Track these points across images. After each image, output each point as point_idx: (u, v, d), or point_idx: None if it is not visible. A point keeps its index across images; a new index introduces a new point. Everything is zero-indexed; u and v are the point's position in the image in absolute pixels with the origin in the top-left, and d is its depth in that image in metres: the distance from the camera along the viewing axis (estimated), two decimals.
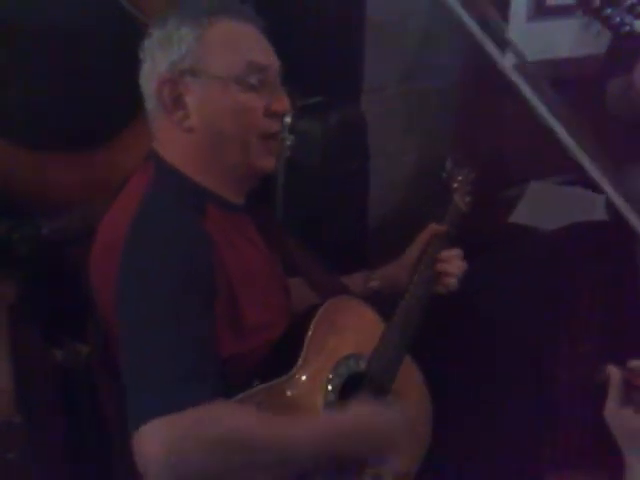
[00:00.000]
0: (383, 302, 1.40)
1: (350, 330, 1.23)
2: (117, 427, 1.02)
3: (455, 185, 1.57)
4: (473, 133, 2.22)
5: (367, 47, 1.88)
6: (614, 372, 0.98)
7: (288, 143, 1.64)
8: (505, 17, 2.27)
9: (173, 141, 1.17)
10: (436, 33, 2.02)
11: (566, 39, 2.38)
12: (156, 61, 1.15)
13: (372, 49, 1.89)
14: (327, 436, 1.06)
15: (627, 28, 1.46)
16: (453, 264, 1.40)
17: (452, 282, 1.39)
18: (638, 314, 1.72)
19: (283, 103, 1.20)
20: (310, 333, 1.16)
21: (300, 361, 1.13)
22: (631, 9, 1.46)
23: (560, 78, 2.34)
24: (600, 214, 1.98)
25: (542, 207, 2.12)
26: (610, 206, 1.90)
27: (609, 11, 1.46)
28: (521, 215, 2.10)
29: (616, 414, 0.97)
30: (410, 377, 1.30)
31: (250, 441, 1.00)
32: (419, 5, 1.95)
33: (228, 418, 0.99)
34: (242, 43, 1.17)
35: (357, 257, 1.81)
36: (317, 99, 1.74)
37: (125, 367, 1.02)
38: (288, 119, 1.55)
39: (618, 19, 1.46)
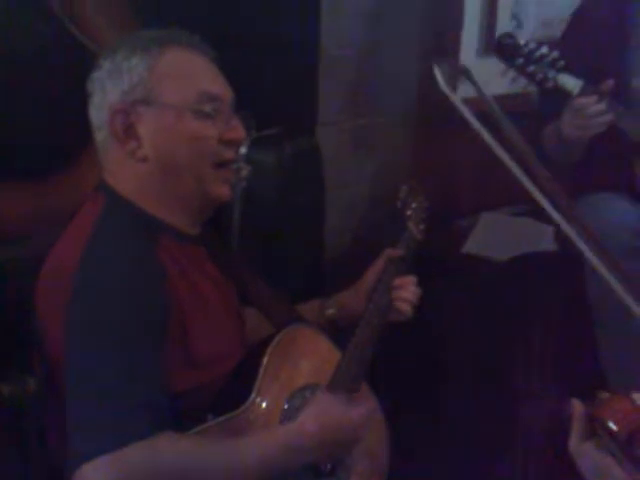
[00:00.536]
0: (340, 330, 1.39)
1: (305, 360, 1.21)
2: (63, 462, 0.97)
3: (409, 213, 1.57)
4: (426, 164, 2.24)
5: (322, 81, 1.89)
6: (577, 405, 0.96)
7: (244, 173, 1.62)
8: (456, 53, 2.32)
9: (126, 172, 1.14)
10: (389, 68, 2.04)
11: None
12: (106, 92, 1.13)
13: (327, 83, 1.90)
14: (279, 452, 1.03)
15: (551, 83, 1.48)
16: (408, 290, 1.39)
17: (407, 309, 1.38)
18: (589, 345, 1.73)
19: (238, 131, 1.19)
20: (264, 364, 1.13)
21: (254, 393, 1.10)
22: (553, 64, 1.47)
23: (511, 113, 2.40)
24: (549, 245, 2.01)
25: (493, 237, 2.15)
26: (559, 237, 1.93)
27: (532, 68, 1.47)
28: (474, 245, 2.12)
29: (579, 448, 0.94)
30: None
31: (199, 472, 0.96)
32: (373, 40, 1.97)
33: (174, 451, 0.96)
34: (194, 72, 1.16)
35: (314, 286, 1.80)
36: (272, 130, 1.73)
37: (69, 401, 0.98)
38: (244, 149, 1.54)
39: (542, 75, 1.47)
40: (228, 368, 1.15)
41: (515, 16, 2.41)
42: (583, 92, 1.48)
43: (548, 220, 2.10)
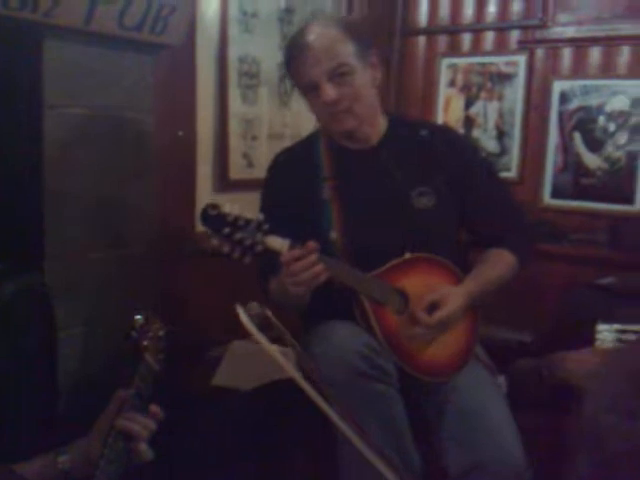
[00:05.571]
0: None
1: None
2: None
3: (146, 343, 1.44)
4: (171, 294, 2.13)
5: (52, 215, 1.72)
6: None
7: None
8: (192, 190, 2.31)
9: None
10: (127, 200, 1.94)
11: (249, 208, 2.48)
12: None
13: (56, 216, 1.73)
14: None
15: (260, 247, 1.44)
16: (143, 429, 1.23)
17: (144, 451, 1.22)
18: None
19: None
20: None
21: None
22: (259, 227, 1.44)
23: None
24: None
25: (242, 366, 2.06)
26: (298, 362, 1.87)
27: (240, 235, 1.42)
28: (223, 376, 2.01)
29: None
30: None
31: None
32: (102, 173, 1.86)
33: None
34: None
35: (47, 436, 1.53)
36: None
37: None
38: None
39: (251, 240, 1.43)
40: None
41: (246, 156, 2.50)
42: (291, 250, 1.47)
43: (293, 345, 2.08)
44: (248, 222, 1.44)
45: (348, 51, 1.60)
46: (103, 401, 1.32)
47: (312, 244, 1.49)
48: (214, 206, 1.44)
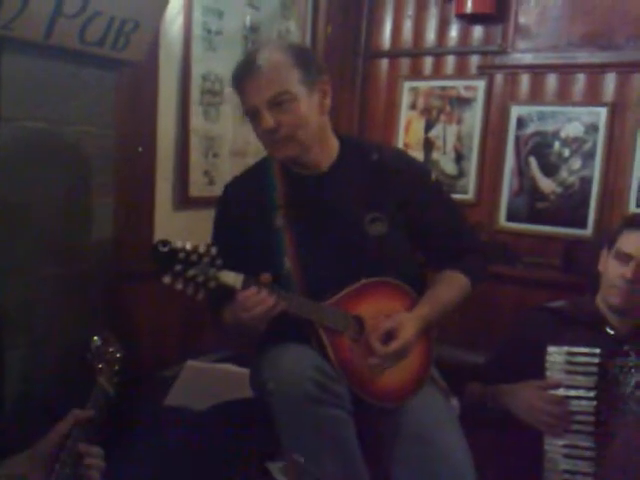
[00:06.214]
0: None
1: None
2: None
3: (101, 366, 1.42)
4: (124, 312, 2.10)
5: (2, 230, 1.68)
6: None
7: None
8: (151, 206, 2.29)
9: None
10: (80, 217, 1.91)
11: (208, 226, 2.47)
12: None
13: (7, 232, 1.69)
14: None
15: (214, 283, 1.43)
16: (94, 463, 1.21)
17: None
18: None
19: None
20: None
21: None
22: (212, 263, 1.42)
23: None
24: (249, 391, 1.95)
25: (196, 385, 2.04)
26: (253, 383, 1.85)
27: (193, 272, 1.39)
28: (177, 396, 1.98)
29: None
30: None
31: None
32: (58, 188, 1.83)
33: None
34: None
35: None
36: None
37: None
38: None
39: (203, 277, 1.41)
40: None
41: (207, 173, 2.49)
42: (245, 285, 1.46)
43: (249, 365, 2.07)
44: (201, 257, 1.41)
45: (293, 78, 1.57)
46: (49, 421, 1.29)
47: (266, 278, 1.48)
48: (164, 243, 1.40)
